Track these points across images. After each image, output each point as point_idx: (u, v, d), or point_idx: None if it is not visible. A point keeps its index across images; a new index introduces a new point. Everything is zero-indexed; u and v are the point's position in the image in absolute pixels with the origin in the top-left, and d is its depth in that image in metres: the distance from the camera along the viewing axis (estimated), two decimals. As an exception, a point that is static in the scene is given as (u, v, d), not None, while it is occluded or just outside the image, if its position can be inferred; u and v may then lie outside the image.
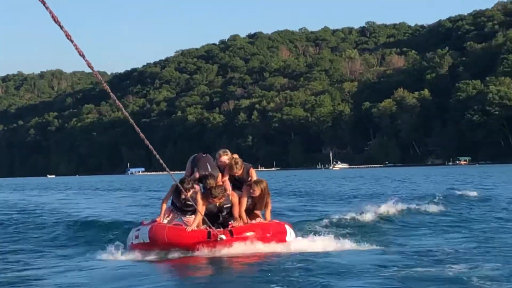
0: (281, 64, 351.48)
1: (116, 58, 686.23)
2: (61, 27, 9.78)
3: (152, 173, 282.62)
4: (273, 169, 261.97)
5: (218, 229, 17.38)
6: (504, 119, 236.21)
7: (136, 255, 17.55)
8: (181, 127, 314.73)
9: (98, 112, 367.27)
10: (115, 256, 17.74)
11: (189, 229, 17.37)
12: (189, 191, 17.66)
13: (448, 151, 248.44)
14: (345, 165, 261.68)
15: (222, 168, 18.76)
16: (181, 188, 17.51)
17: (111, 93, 12.23)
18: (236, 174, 18.63)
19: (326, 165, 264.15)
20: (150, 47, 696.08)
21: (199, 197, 17.82)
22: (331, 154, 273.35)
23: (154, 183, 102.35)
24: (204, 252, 17.08)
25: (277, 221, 18.87)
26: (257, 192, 18.22)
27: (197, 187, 17.98)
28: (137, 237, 18.00)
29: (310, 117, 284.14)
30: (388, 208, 28.95)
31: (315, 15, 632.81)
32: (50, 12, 9.47)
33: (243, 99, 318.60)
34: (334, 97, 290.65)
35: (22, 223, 29.13)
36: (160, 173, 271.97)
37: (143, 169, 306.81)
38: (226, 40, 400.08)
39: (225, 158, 18.82)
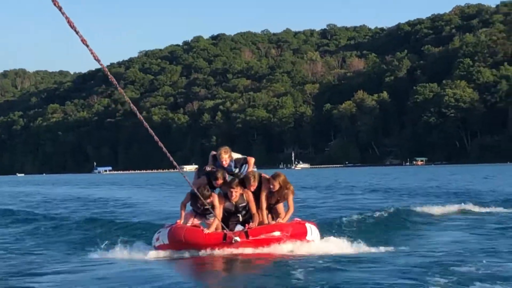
0: (244, 65, 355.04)
1: (79, 57, 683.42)
2: (77, 32, 9.89)
3: (119, 171, 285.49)
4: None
5: (235, 231, 17.71)
6: (459, 121, 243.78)
7: (156, 255, 17.91)
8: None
9: (63, 111, 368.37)
10: (135, 256, 18.15)
11: (206, 231, 17.62)
12: (209, 198, 17.86)
13: (405, 152, 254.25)
14: (306, 165, 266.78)
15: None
16: (199, 195, 17.63)
17: (126, 97, 12.59)
18: (251, 189, 18.36)
19: (288, 165, 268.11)
20: (113, 47, 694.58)
21: (216, 200, 18.04)
22: (293, 154, 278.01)
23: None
24: (219, 253, 17.30)
25: (299, 220, 18.70)
26: (276, 186, 18.16)
27: (213, 194, 18.19)
28: (157, 239, 18.47)
29: (273, 118, 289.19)
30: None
31: (277, 17, 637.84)
32: (66, 18, 9.56)
33: (207, 100, 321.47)
34: (296, 99, 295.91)
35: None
36: (127, 172, 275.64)
37: (110, 167, 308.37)
38: (190, 41, 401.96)
39: (226, 156, 18.67)
